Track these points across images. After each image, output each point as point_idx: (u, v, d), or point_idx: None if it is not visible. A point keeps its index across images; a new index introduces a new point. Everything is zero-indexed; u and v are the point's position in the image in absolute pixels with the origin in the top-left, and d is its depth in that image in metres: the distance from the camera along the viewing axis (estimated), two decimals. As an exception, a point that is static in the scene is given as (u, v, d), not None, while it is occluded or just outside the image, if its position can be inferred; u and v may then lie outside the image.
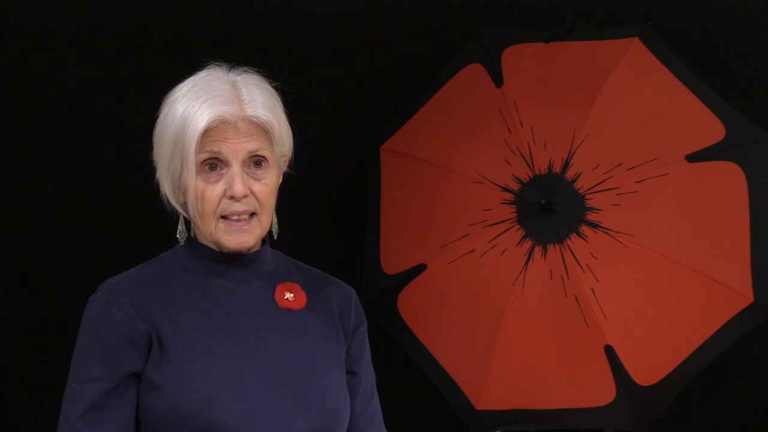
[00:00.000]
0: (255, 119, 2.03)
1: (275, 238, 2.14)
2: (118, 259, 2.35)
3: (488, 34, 3.61)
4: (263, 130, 2.05)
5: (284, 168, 2.13)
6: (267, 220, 2.08)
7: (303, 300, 2.13)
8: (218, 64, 2.10)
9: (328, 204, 3.93)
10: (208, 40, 3.68)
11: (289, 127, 2.10)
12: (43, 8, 3.69)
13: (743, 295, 3.28)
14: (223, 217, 2.04)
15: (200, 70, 2.10)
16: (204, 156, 2.02)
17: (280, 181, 2.12)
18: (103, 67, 3.72)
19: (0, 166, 3.73)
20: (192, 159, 2.01)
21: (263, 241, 2.14)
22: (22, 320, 3.78)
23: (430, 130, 3.56)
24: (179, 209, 2.09)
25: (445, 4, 3.90)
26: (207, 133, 2.01)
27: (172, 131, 2.03)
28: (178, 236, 2.12)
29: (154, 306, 2.04)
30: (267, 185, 2.06)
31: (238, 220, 2.05)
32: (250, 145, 2.03)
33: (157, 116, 2.08)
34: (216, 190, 2.03)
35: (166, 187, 2.08)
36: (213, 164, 2.04)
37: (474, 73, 3.56)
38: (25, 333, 3.78)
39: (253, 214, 2.06)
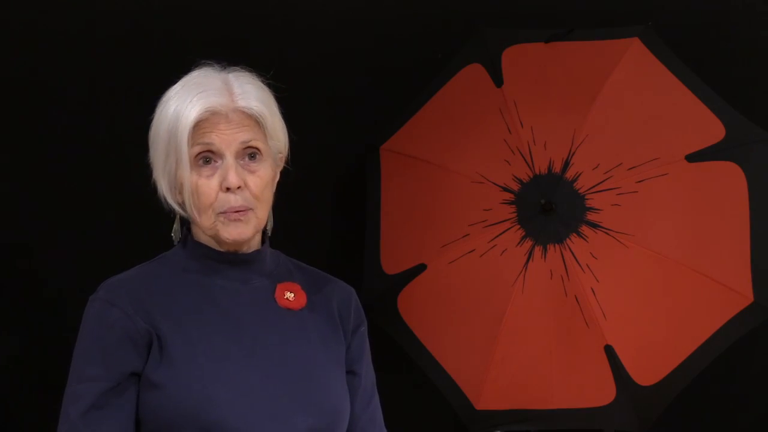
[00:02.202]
0: (247, 110, 2.03)
1: (268, 234, 2.13)
2: (118, 259, 2.35)
3: (488, 34, 3.61)
4: (256, 122, 2.04)
5: (281, 165, 2.12)
6: (263, 214, 2.07)
7: (303, 300, 2.13)
8: (210, 63, 2.10)
9: (328, 204, 3.93)
10: (207, 40, 3.67)
11: (283, 122, 2.09)
12: (43, 8, 3.69)
13: (743, 295, 3.28)
14: (221, 213, 2.04)
15: (193, 70, 2.10)
16: (197, 149, 2.02)
17: (277, 178, 2.12)
18: (102, 67, 3.72)
19: (0, 165, 3.73)
20: (185, 152, 2.01)
21: (263, 240, 2.14)
22: (22, 320, 3.78)
23: (430, 130, 3.56)
24: (177, 209, 2.09)
25: (445, 4, 3.90)
26: (198, 125, 2.01)
27: (165, 129, 2.03)
28: (173, 235, 2.12)
29: (154, 305, 2.03)
30: (261, 178, 2.05)
31: (234, 212, 2.05)
32: (243, 135, 2.02)
33: (152, 118, 2.09)
34: (211, 183, 2.03)
35: (164, 187, 2.07)
36: (207, 158, 2.03)
37: (474, 73, 3.56)
38: (25, 333, 3.78)
39: (248, 209, 2.05)
